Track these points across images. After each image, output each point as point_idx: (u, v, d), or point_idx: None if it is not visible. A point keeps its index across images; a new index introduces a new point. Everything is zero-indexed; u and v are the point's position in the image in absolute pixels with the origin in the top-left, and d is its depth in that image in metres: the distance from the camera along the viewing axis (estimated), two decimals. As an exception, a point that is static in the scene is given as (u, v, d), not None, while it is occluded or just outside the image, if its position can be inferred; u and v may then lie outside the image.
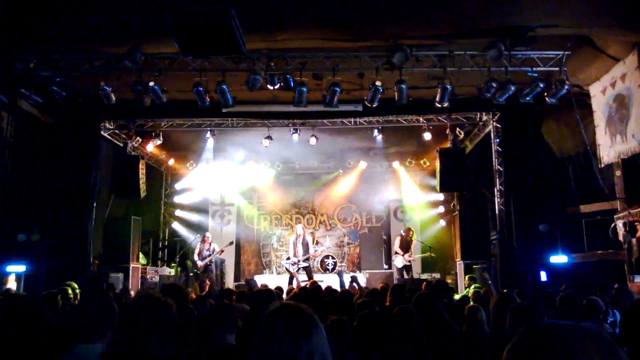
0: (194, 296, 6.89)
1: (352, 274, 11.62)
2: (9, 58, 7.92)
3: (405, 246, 12.21)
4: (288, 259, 12.26)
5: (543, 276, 9.91)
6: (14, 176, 9.52)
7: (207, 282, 10.22)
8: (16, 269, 9.55)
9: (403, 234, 12.46)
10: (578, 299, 4.19)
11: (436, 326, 3.70)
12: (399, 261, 12.15)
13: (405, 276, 11.94)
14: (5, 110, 9.28)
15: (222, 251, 12.22)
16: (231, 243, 12.90)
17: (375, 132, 11.22)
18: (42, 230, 9.63)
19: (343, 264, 13.80)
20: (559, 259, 10.22)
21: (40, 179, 9.98)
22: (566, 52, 7.82)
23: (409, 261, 12.13)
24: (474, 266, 11.31)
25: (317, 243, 13.75)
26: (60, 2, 6.52)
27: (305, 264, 11.90)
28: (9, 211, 9.41)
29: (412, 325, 3.43)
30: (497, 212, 10.49)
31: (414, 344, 3.30)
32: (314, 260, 13.19)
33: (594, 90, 8.85)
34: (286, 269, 12.51)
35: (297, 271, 11.55)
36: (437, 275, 12.59)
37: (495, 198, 10.54)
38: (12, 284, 9.51)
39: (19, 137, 9.66)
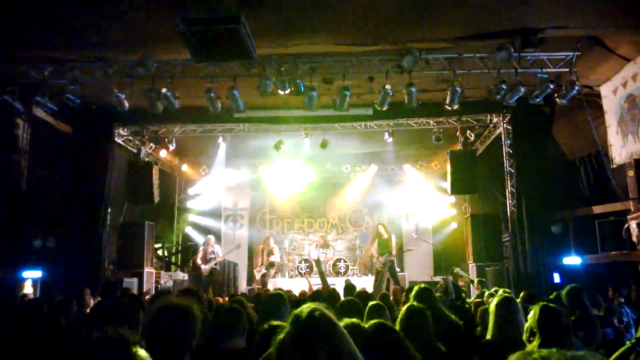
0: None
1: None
2: (24, 66, 8.12)
3: (381, 246, 11.54)
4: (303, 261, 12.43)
5: (556, 278, 9.86)
6: (30, 182, 9.70)
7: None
8: (32, 274, 9.70)
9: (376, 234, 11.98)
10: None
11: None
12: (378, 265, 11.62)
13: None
14: (21, 117, 9.49)
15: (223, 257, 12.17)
16: (238, 246, 13.00)
17: (386, 135, 11.25)
18: (57, 236, 9.79)
19: (355, 267, 13.80)
20: (572, 260, 10.17)
21: (55, 185, 10.16)
22: (576, 53, 7.81)
23: (384, 263, 11.39)
24: (487, 268, 11.28)
25: (327, 247, 13.79)
26: (72, 10, 6.65)
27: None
28: (25, 217, 9.59)
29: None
30: (508, 214, 10.46)
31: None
32: (326, 264, 13.22)
33: (605, 90, 8.81)
34: (299, 272, 12.64)
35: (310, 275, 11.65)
36: (450, 278, 12.52)
37: (507, 200, 10.50)
38: (28, 289, 9.68)
39: (34, 144, 9.85)
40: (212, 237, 12.27)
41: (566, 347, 2.74)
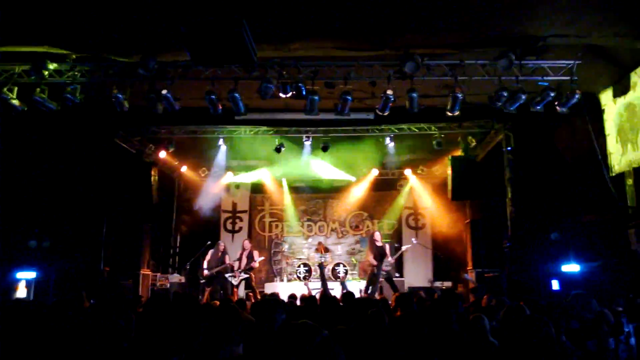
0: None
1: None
2: (24, 66, 8.09)
3: (380, 254, 11.30)
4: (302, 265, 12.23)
5: (555, 285, 9.83)
6: (27, 182, 9.66)
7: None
8: (26, 275, 9.64)
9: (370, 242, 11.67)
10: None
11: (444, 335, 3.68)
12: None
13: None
14: (20, 118, 9.44)
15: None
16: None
17: (387, 140, 11.24)
18: (53, 237, 9.72)
19: (354, 272, 13.76)
20: (570, 267, 10.13)
21: (53, 185, 10.11)
22: (577, 62, 7.79)
23: (388, 268, 11.25)
24: (486, 274, 11.24)
25: (327, 251, 13.75)
26: (75, 12, 6.63)
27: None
28: (21, 218, 9.54)
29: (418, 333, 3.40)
30: (508, 220, 10.44)
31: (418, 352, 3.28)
32: (325, 267, 13.17)
33: (605, 98, 8.82)
34: (297, 276, 12.55)
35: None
36: (448, 284, 12.50)
37: (507, 206, 10.48)
38: (22, 290, 9.61)
39: (33, 143, 9.81)
40: (222, 243, 12.09)
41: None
